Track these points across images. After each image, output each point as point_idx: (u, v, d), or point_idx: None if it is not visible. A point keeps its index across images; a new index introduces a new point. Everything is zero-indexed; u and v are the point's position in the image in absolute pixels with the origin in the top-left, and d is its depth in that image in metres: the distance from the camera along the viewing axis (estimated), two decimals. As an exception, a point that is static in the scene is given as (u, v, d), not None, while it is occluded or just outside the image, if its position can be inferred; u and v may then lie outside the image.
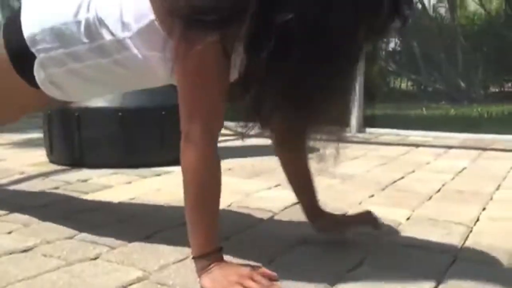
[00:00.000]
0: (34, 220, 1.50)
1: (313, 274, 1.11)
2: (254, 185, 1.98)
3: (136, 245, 1.30)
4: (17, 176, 2.11)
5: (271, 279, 1.05)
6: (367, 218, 1.34)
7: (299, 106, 1.01)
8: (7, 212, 1.57)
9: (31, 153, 2.65)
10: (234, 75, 1.05)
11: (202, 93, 1.04)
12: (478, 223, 1.51)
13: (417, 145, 2.98)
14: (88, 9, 1.18)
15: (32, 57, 1.25)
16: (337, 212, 1.56)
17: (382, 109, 5.31)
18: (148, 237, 1.35)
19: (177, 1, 0.98)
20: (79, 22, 1.18)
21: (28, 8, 1.28)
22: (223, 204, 1.69)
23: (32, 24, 1.24)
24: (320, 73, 0.96)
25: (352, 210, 1.63)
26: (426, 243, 1.32)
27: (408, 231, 1.42)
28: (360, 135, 3.58)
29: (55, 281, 1.07)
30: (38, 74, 1.26)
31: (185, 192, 1.08)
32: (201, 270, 1.07)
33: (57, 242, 1.31)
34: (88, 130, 2.31)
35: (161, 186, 1.96)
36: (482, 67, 8.29)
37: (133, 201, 1.75)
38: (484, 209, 1.65)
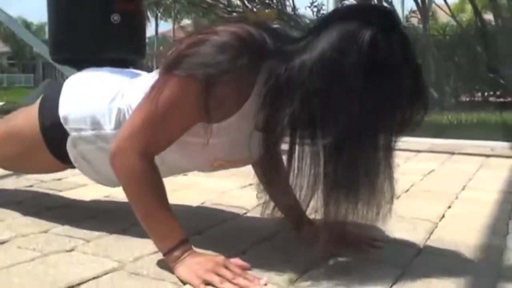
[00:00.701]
0: (9, 215, 1.51)
1: (284, 264, 1.15)
2: (227, 184, 2.02)
3: (111, 238, 1.33)
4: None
5: (243, 268, 1.08)
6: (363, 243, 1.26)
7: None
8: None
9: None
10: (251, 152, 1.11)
11: (158, 125, 1.09)
12: (443, 219, 1.57)
13: (388, 150, 3.04)
14: (122, 97, 1.27)
15: (64, 133, 1.32)
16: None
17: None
18: (123, 231, 1.38)
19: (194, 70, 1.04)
20: (111, 109, 1.26)
21: (68, 89, 1.37)
22: (198, 201, 1.73)
23: (69, 103, 1.33)
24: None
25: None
26: (392, 238, 1.37)
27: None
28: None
29: (31, 270, 1.09)
30: (71, 150, 1.33)
31: (130, 201, 1.12)
32: (174, 262, 1.08)
33: (32, 235, 1.33)
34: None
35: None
36: (453, 77, 8.48)
37: (107, 199, 1.77)
38: (449, 207, 1.72)
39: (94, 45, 3.55)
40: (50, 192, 1.85)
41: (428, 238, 1.38)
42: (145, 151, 1.10)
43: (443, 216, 1.60)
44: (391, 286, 1.05)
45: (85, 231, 1.37)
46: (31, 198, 1.75)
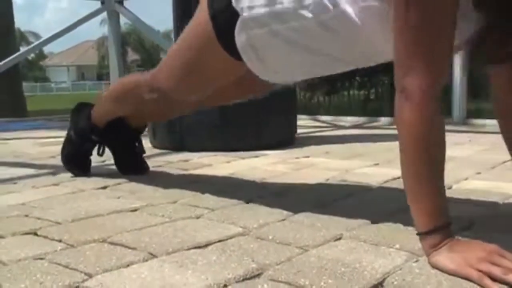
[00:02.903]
0: (139, 189, 1.57)
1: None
2: (352, 164, 1.95)
3: (236, 208, 1.32)
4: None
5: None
6: None
7: None
8: (115, 183, 1.65)
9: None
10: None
11: (422, 49, 0.89)
12: None
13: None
14: None
15: (234, 17, 1.18)
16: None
17: (487, 103, 5.04)
18: (247, 202, 1.37)
19: None
20: None
21: None
22: (321, 178, 1.69)
23: None
24: None
25: (457, 186, 1.55)
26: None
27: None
28: (464, 127, 3.42)
29: (160, 232, 1.11)
30: (239, 36, 1.19)
31: (405, 160, 0.94)
32: (432, 248, 0.90)
33: (161, 205, 1.36)
34: (189, 117, 2.38)
35: (258, 165, 1.98)
36: None
37: (232, 176, 1.78)
38: None
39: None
40: (177, 172, 1.90)
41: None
42: (432, 84, 0.90)
43: None
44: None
45: (211, 202, 1.38)
46: (160, 176, 1.81)
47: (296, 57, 1.19)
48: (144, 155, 1.85)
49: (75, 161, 1.80)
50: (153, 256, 0.96)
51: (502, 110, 1.12)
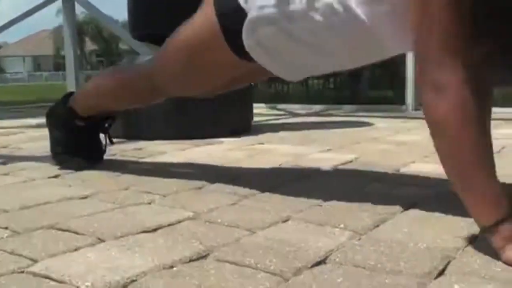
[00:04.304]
0: (91, 176, 1.56)
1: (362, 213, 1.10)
2: (305, 150, 1.98)
3: (188, 193, 1.33)
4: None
5: None
6: None
7: None
8: (67, 172, 1.64)
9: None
10: None
11: (454, 42, 0.88)
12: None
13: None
14: None
15: (242, 16, 1.17)
16: (389, 170, 1.56)
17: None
18: (200, 188, 1.38)
19: None
20: None
21: None
22: (274, 164, 1.72)
23: None
24: None
25: (405, 169, 1.61)
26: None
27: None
28: (416, 112, 3.51)
29: (110, 218, 1.11)
30: (247, 34, 1.17)
31: (447, 152, 0.90)
32: (505, 241, 0.81)
33: (112, 192, 1.36)
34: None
35: (213, 152, 1.99)
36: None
37: (185, 163, 1.79)
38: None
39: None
40: (131, 160, 1.89)
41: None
42: (466, 76, 0.87)
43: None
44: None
45: (163, 188, 1.38)
46: (113, 164, 1.80)
47: (304, 55, 1.19)
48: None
49: (80, 151, 1.69)
50: (101, 240, 0.96)
51: None
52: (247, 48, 1.20)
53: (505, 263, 0.80)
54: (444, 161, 0.91)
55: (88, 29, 38.08)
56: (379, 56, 1.21)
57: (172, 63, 1.37)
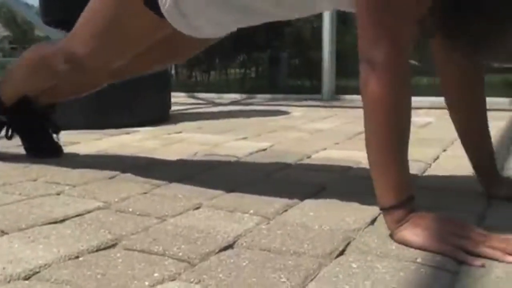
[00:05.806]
0: (-2, 168, 1.50)
1: (273, 198, 1.13)
2: (222, 139, 2.00)
3: (99, 183, 1.31)
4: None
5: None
6: None
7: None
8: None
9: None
10: None
11: (388, 18, 0.88)
12: (437, 160, 1.55)
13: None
14: None
15: None
16: (301, 156, 1.60)
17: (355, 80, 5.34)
18: (111, 178, 1.36)
19: None
20: None
21: None
22: (190, 153, 1.72)
23: None
24: None
25: (316, 155, 1.66)
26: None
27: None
28: (333, 102, 3.62)
29: (15, 210, 1.08)
30: None
31: (370, 132, 0.91)
32: (396, 223, 0.86)
33: (19, 183, 1.31)
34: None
35: (128, 142, 1.97)
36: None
37: (98, 153, 1.75)
38: (444, 150, 1.69)
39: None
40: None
41: (421, 175, 1.36)
42: (400, 54, 0.88)
43: (437, 157, 1.58)
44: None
45: (73, 178, 1.35)
46: (22, 156, 1.73)
47: (216, 9, 1.15)
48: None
49: None
50: (3, 233, 0.93)
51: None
52: (160, 5, 1.14)
53: (397, 242, 0.86)
54: (366, 141, 0.92)
55: (1, 13, 36.12)
56: (308, 10, 1.17)
57: (86, 30, 1.29)
